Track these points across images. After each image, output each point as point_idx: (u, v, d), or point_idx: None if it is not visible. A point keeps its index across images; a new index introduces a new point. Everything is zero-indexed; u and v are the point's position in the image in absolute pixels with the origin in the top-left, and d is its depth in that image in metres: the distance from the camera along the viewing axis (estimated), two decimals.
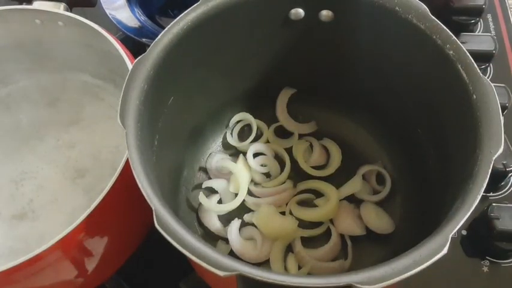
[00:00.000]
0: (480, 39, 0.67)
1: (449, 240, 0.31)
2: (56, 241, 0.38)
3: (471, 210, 0.33)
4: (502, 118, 0.36)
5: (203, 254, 0.31)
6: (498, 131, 0.36)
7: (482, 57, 0.66)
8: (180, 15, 0.43)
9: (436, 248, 0.31)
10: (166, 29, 0.42)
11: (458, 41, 0.40)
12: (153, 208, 0.33)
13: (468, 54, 0.40)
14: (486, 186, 0.33)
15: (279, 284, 0.30)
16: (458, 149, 0.40)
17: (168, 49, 0.42)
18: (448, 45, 0.40)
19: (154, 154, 0.43)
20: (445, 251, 0.31)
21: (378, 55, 0.49)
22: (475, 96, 0.38)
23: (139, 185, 0.34)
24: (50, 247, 0.38)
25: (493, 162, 0.35)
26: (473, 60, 0.39)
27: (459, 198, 0.34)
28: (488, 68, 0.69)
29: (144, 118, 0.39)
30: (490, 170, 0.34)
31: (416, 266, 0.31)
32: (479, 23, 0.74)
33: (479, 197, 0.33)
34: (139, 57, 0.41)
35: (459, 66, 0.39)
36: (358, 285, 0.29)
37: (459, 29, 0.70)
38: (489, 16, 0.75)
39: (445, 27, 0.41)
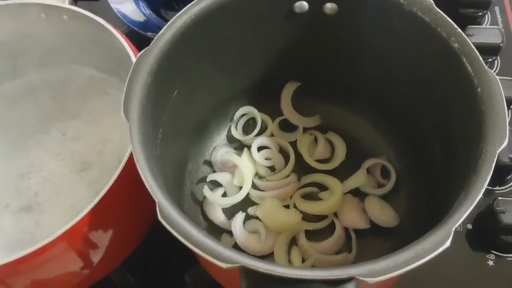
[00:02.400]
0: (487, 32, 0.66)
1: (452, 234, 0.31)
2: (61, 233, 0.39)
3: (474, 204, 0.32)
4: (507, 111, 0.36)
5: (206, 246, 0.32)
6: (503, 124, 0.35)
7: (490, 50, 0.65)
8: (184, 9, 0.43)
9: (439, 241, 0.31)
10: (169, 22, 0.42)
11: (463, 34, 0.40)
12: (156, 201, 0.34)
13: (473, 47, 0.39)
14: (492, 180, 0.33)
15: (281, 277, 0.30)
16: (463, 143, 0.40)
17: (171, 43, 0.42)
18: (453, 38, 0.40)
19: (158, 147, 0.43)
20: (447, 244, 0.31)
21: (383, 48, 0.49)
22: (480, 90, 0.37)
23: (143, 178, 0.35)
24: (56, 239, 0.39)
25: (497, 156, 0.34)
26: (478, 53, 0.39)
27: (463, 191, 0.34)
28: (496, 61, 0.68)
29: (148, 111, 0.40)
30: (494, 164, 0.34)
31: (419, 259, 0.31)
32: (486, 16, 0.73)
33: (482, 191, 0.33)
34: (142, 51, 0.41)
35: (464, 59, 0.39)
36: (360, 278, 0.29)
37: (466, 21, 0.70)
38: (497, 9, 0.75)
39: (450, 20, 0.41)
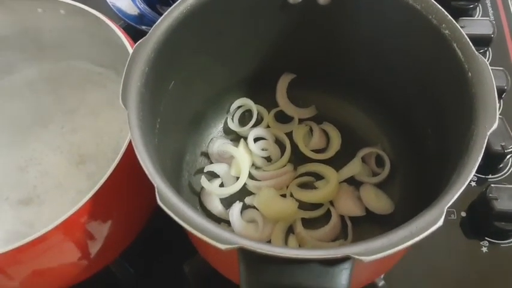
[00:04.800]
0: (479, 24, 0.67)
1: (445, 213, 0.32)
2: (59, 223, 0.39)
3: (466, 183, 0.33)
4: (496, 96, 0.37)
5: (205, 229, 0.32)
6: (493, 106, 0.36)
7: (481, 41, 0.66)
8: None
9: (432, 220, 0.32)
10: (166, 12, 0.43)
11: (453, 21, 0.41)
12: (155, 185, 0.34)
13: (464, 33, 0.40)
14: (485, 168, 0.34)
15: (279, 257, 0.30)
16: (454, 127, 0.41)
17: (168, 33, 0.42)
18: (443, 25, 0.41)
19: (156, 137, 0.43)
20: (440, 222, 0.32)
21: (376, 37, 0.49)
22: (470, 74, 0.38)
23: (141, 162, 0.35)
24: (54, 229, 0.39)
25: (489, 141, 0.35)
26: (468, 39, 0.40)
27: (455, 173, 0.35)
28: (487, 52, 0.69)
29: (146, 100, 0.40)
30: (484, 145, 0.35)
31: (413, 238, 0.31)
32: (478, 8, 0.74)
33: (474, 170, 0.34)
34: (140, 41, 0.41)
35: (455, 45, 0.40)
36: (356, 257, 0.30)
37: (458, 13, 0.71)
38: (488, 1, 0.76)
39: (440, 7, 0.42)
